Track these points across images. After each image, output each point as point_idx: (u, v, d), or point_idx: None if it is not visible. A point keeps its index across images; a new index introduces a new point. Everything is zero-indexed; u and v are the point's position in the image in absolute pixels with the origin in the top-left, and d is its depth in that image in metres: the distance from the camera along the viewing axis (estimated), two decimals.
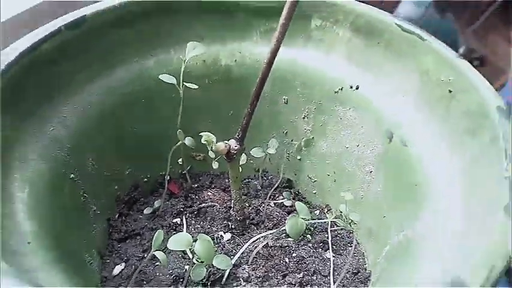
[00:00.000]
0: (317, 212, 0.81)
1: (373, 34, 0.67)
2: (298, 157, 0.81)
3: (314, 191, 0.81)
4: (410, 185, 0.58)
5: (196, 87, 0.66)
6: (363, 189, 0.70)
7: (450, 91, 0.56)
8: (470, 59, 0.83)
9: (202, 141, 0.60)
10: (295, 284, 0.62)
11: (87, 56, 0.64)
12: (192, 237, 0.68)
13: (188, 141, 0.63)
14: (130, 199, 0.75)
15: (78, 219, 0.60)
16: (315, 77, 0.74)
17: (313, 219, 0.78)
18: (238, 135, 0.63)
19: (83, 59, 0.64)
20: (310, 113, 0.76)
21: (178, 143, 0.63)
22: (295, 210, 0.80)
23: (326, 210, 0.80)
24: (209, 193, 0.78)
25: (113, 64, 0.68)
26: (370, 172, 0.69)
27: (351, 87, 0.70)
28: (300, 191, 0.84)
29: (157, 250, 0.54)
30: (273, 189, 0.74)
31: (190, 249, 0.53)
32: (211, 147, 0.61)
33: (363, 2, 0.68)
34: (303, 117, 0.77)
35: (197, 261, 0.60)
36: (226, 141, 0.63)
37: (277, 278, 0.63)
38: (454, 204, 0.50)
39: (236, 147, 0.63)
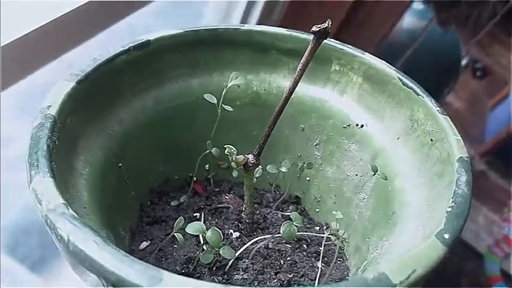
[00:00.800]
0: (317, 228, 0.93)
1: (380, 83, 0.80)
2: (308, 178, 0.94)
3: (317, 210, 0.94)
4: (390, 213, 0.70)
5: (231, 109, 0.81)
6: (356, 212, 0.82)
7: (431, 139, 0.68)
8: (473, 70, 0.93)
9: (226, 152, 0.74)
10: (284, 281, 0.75)
11: (146, 71, 0.80)
12: (207, 229, 0.83)
13: (215, 151, 0.77)
14: (161, 191, 0.90)
15: (120, 199, 0.75)
16: (329, 112, 0.87)
17: (309, 232, 0.91)
18: (255, 152, 0.77)
19: (143, 73, 0.80)
20: (322, 141, 0.89)
21: (206, 151, 0.78)
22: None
23: (325, 227, 0.92)
24: (227, 197, 0.92)
25: (164, 80, 0.84)
26: (364, 199, 0.81)
27: (357, 125, 0.83)
28: (305, 208, 0.96)
29: (177, 232, 0.68)
30: (279, 201, 0.87)
31: (203, 235, 0.67)
32: (232, 158, 0.75)
33: None
34: (315, 145, 0.90)
35: (207, 248, 0.73)
36: (246, 155, 0.77)
37: (270, 274, 0.76)
38: (415, 227, 0.62)
39: (253, 161, 0.77)
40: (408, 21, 1.53)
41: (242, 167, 0.78)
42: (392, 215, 0.68)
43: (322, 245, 0.86)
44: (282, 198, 0.97)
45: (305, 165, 0.80)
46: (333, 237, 0.87)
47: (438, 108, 0.69)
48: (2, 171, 0.94)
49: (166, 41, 0.81)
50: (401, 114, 0.76)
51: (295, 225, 0.68)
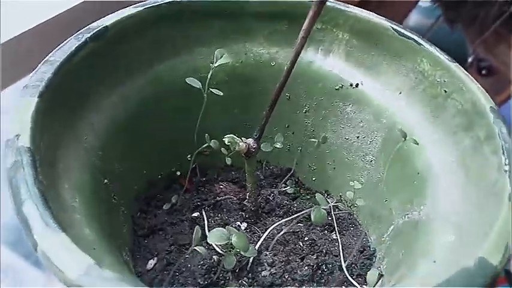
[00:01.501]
0: (318, 196, 0.88)
1: (371, 36, 0.74)
2: (299, 148, 0.88)
3: (314, 178, 0.89)
4: (412, 173, 0.66)
5: (221, 93, 0.71)
6: (363, 176, 0.79)
7: (445, 91, 0.65)
8: (479, 69, 0.92)
9: (226, 142, 0.65)
10: (313, 266, 0.70)
11: (109, 65, 0.67)
12: (213, 229, 0.74)
13: (214, 144, 0.68)
14: (148, 196, 0.79)
15: (114, 220, 0.64)
16: (316, 76, 0.80)
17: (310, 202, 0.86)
18: (256, 135, 0.69)
19: (106, 67, 0.66)
20: (311, 108, 0.83)
21: (205, 145, 0.68)
22: (298, 196, 0.88)
23: (326, 195, 0.88)
24: (221, 186, 0.83)
25: (129, 71, 0.71)
26: (370, 161, 0.77)
27: (351, 84, 0.77)
28: (299, 179, 0.91)
29: (197, 245, 0.60)
30: (284, 180, 0.81)
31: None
32: (234, 148, 0.66)
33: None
34: (305, 112, 0.84)
35: (225, 251, 0.66)
36: (245, 141, 0.68)
37: (296, 261, 0.71)
38: (453, 189, 0.59)
39: (254, 146, 0.69)
40: (415, 19, 1.47)
41: (243, 154, 0.69)
42: (417, 175, 0.65)
43: (333, 216, 0.82)
44: (274, 174, 0.91)
45: (321, 140, 0.74)
46: (340, 205, 0.83)
47: (447, 57, 0.65)
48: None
49: (126, 24, 0.68)
50: (401, 67, 0.72)
51: (323, 209, 0.63)
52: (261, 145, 0.81)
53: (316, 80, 0.80)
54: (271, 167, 0.92)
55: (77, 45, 0.61)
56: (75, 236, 0.48)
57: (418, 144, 0.60)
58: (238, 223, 0.77)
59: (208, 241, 0.58)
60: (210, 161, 0.89)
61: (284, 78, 0.63)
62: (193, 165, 0.86)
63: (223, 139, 0.66)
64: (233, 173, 0.89)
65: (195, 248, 0.60)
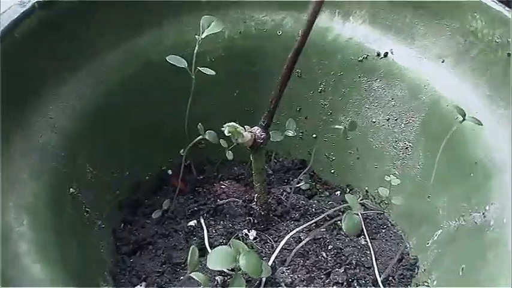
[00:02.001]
0: (338, 192, 0.74)
1: None
2: (314, 135, 0.73)
3: (332, 171, 0.74)
4: (468, 163, 0.52)
5: (213, 73, 0.56)
6: (396, 167, 0.64)
7: (508, 54, 0.49)
8: None
9: (226, 133, 0.50)
10: (342, 283, 0.56)
11: (72, 39, 0.52)
12: (215, 242, 0.60)
13: (210, 136, 0.53)
14: (133, 202, 0.65)
15: (86, 239, 0.50)
16: (333, 46, 0.65)
17: (329, 199, 0.72)
18: (263, 122, 0.54)
19: (68, 42, 0.51)
20: (328, 85, 0.68)
21: (198, 138, 0.53)
22: (315, 194, 0.73)
23: (348, 190, 0.73)
24: (222, 186, 0.69)
25: (97, 49, 0.56)
26: (405, 148, 0.62)
27: (378, 54, 0.62)
28: (315, 172, 0.76)
29: (193, 271, 0.45)
30: (301, 176, 0.66)
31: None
32: (237, 139, 0.51)
33: None
34: (319, 91, 0.69)
35: (231, 270, 0.52)
36: (250, 130, 0.54)
37: (321, 278, 0.57)
38: None
39: (262, 136, 0.54)
40: None
41: (248, 147, 0.54)
42: (475, 165, 0.51)
43: (360, 216, 0.67)
44: (284, 168, 0.76)
45: (348, 127, 0.58)
46: (368, 202, 0.69)
47: (507, 9, 0.50)
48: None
49: None
50: (443, 28, 0.56)
51: (356, 214, 0.48)
52: (271, 134, 0.66)
53: (333, 51, 0.65)
54: (280, 159, 0.77)
55: (22, 12, 0.45)
56: (13, 275, 0.33)
57: (482, 125, 0.45)
58: (246, 231, 0.63)
59: (208, 265, 0.43)
60: (207, 155, 0.75)
61: (296, 51, 0.48)
62: (187, 162, 0.71)
63: (222, 129, 0.50)
64: (236, 168, 0.74)
65: (191, 275, 0.45)
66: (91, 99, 0.55)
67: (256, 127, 0.54)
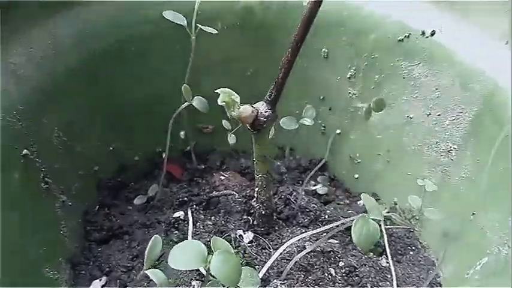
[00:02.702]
0: (360, 202, 0.61)
1: None
2: (338, 131, 0.61)
3: (356, 175, 0.63)
4: None
5: (215, 31, 0.47)
6: (435, 174, 0.52)
7: None
8: None
9: (219, 101, 0.40)
10: None
11: None
12: (201, 239, 0.50)
13: (198, 102, 0.43)
14: (115, 184, 0.56)
15: (38, 215, 0.41)
16: (367, 22, 0.54)
17: (348, 207, 0.60)
18: (270, 97, 0.44)
19: None
20: (359, 70, 0.56)
21: (184, 105, 0.43)
22: (333, 200, 0.62)
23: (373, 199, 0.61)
24: (221, 177, 0.59)
25: None
26: (448, 151, 0.50)
27: (423, 33, 0.51)
28: (336, 175, 0.66)
29: (152, 267, 0.35)
30: (311, 174, 0.55)
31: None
32: (232, 112, 0.41)
33: None
34: (349, 77, 0.58)
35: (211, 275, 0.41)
36: (252, 105, 0.43)
37: None
38: None
39: (267, 113, 0.44)
40: None
41: (248, 126, 0.44)
42: None
43: (383, 232, 0.55)
44: (300, 167, 0.65)
45: (372, 106, 0.46)
46: (396, 217, 0.56)
47: None
48: None
49: None
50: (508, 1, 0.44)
51: (375, 221, 0.36)
52: (282, 120, 0.55)
53: (367, 29, 0.54)
54: (297, 157, 0.67)
55: None
56: None
57: None
58: (240, 232, 0.52)
59: (169, 262, 0.33)
60: (212, 143, 0.65)
61: (306, 20, 0.37)
62: (186, 148, 0.62)
63: (218, 100, 0.40)
64: (243, 160, 0.64)
65: (146, 272, 0.35)
66: (72, 52, 0.46)
67: (261, 102, 0.44)
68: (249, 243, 0.51)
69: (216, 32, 0.46)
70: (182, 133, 0.61)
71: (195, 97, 0.42)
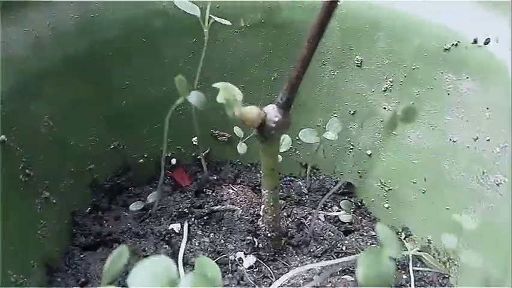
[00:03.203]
0: None
1: None
2: (368, 152, 0.54)
3: (386, 204, 0.55)
4: None
5: (228, 23, 0.42)
6: (479, 210, 0.43)
7: None
8: None
9: (219, 99, 0.34)
10: None
11: None
12: (193, 257, 0.44)
13: (194, 97, 0.37)
14: (114, 186, 0.51)
15: (9, 211, 0.36)
16: (411, 26, 0.47)
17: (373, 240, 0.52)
18: (281, 100, 0.37)
19: None
20: (397, 82, 0.49)
21: (178, 101, 0.38)
22: (357, 229, 0.54)
23: (403, 235, 0.52)
24: (230, 190, 0.53)
25: None
26: (498, 184, 0.41)
27: (475, 41, 0.43)
28: (363, 202, 0.58)
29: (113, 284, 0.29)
30: (326, 197, 0.47)
31: None
32: (234, 112, 0.35)
33: None
34: (384, 90, 0.50)
35: None
36: (263, 109, 0.37)
37: None
38: None
39: (277, 118, 0.37)
40: None
41: (256, 130, 0.38)
42: None
43: (411, 273, 0.46)
44: (324, 188, 0.58)
45: (400, 114, 0.38)
46: (427, 257, 0.48)
47: None
48: None
49: None
50: None
51: (389, 258, 0.29)
52: (302, 132, 0.49)
53: (409, 35, 0.47)
54: (321, 177, 0.60)
55: None
56: None
57: None
58: (241, 254, 0.45)
59: (128, 281, 0.27)
60: (227, 152, 0.59)
61: (325, 13, 0.31)
62: (198, 155, 0.57)
63: (217, 97, 0.35)
64: (259, 175, 0.58)
65: None
66: (74, 39, 0.43)
67: (271, 106, 0.38)
68: (248, 268, 0.44)
69: (229, 23, 0.41)
70: (195, 139, 0.56)
71: (192, 92, 0.37)
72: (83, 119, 0.46)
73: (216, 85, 0.34)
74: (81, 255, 0.44)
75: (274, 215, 0.44)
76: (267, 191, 0.43)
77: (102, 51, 0.45)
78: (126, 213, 0.50)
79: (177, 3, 0.42)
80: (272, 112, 0.38)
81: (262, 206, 0.44)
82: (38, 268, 0.40)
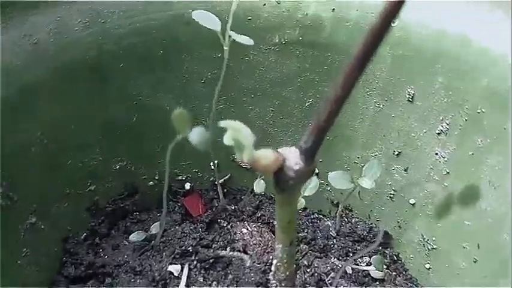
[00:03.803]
0: None
1: None
2: (412, 200, 0.46)
3: (427, 265, 0.47)
4: None
5: (251, 43, 0.35)
6: None
7: None
8: None
9: (226, 140, 0.28)
10: None
11: None
12: None
13: (195, 136, 0.30)
14: (117, 210, 0.46)
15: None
16: (482, 61, 0.38)
17: None
18: (305, 144, 0.30)
19: None
20: (455, 126, 0.41)
21: (176, 140, 0.31)
22: None
23: None
24: (244, 229, 0.46)
25: None
26: None
27: None
28: (400, 257, 0.50)
29: None
30: (358, 256, 0.40)
31: None
32: (243, 158, 0.28)
33: None
34: (438, 133, 0.42)
35: None
36: (279, 150, 0.30)
37: None
38: None
39: (298, 166, 0.30)
40: None
41: (273, 178, 0.31)
42: None
43: None
44: (355, 233, 0.50)
45: (461, 194, 0.29)
46: None
47: None
48: None
49: None
50: None
51: None
52: (332, 175, 0.41)
53: (476, 71, 0.38)
54: (353, 220, 0.52)
55: None
56: None
57: None
58: None
59: None
60: (250, 181, 0.52)
61: (378, 29, 0.23)
62: (217, 181, 0.50)
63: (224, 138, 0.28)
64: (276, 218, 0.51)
65: None
66: (77, 45, 0.38)
67: (291, 148, 0.31)
68: None
69: (252, 43, 0.34)
70: (215, 162, 0.50)
71: (194, 129, 0.30)
72: (84, 135, 0.41)
73: (223, 124, 0.28)
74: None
75: (287, 272, 0.37)
76: (280, 245, 0.36)
77: (111, 61, 0.40)
78: (126, 243, 0.45)
79: (194, 15, 0.36)
80: (293, 158, 0.31)
81: (275, 261, 0.37)
82: None
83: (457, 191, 0.26)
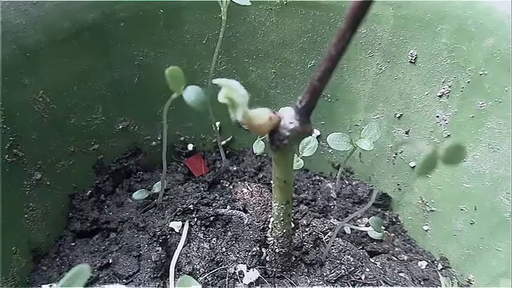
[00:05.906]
0: (422, 264, 0.45)
1: None
2: (412, 163, 0.46)
3: (425, 227, 0.47)
4: None
5: (248, 3, 0.35)
6: None
7: None
8: None
9: (220, 98, 0.28)
10: None
11: None
12: (187, 265, 0.39)
13: (189, 94, 0.30)
14: (121, 169, 0.47)
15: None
16: (486, 21, 0.37)
17: (410, 265, 0.44)
18: (300, 104, 0.30)
19: None
20: (457, 88, 0.40)
21: (172, 97, 0.32)
22: (385, 252, 0.47)
23: (440, 266, 0.45)
24: (244, 189, 0.47)
25: None
26: None
27: None
28: (399, 219, 0.51)
29: None
30: (357, 213, 0.40)
31: None
32: (237, 117, 0.29)
33: None
34: (440, 95, 0.42)
35: None
36: (275, 112, 0.31)
37: None
38: None
39: (292, 125, 0.31)
40: None
41: (268, 137, 0.32)
42: None
43: None
44: (354, 196, 0.51)
45: (444, 154, 0.30)
46: None
47: None
48: None
49: None
50: None
51: None
52: (331, 136, 0.41)
53: (480, 32, 0.39)
54: (353, 182, 0.53)
55: None
56: None
57: None
58: (243, 267, 0.40)
59: None
60: (252, 142, 0.53)
61: None
62: (220, 142, 0.51)
63: (219, 96, 0.28)
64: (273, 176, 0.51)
65: None
66: (82, 8, 0.38)
67: (288, 109, 0.31)
68: (248, 285, 0.39)
69: (248, 3, 0.34)
70: (217, 124, 0.50)
71: (188, 87, 0.30)
72: (87, 95, 0.41)
73: (217, 81, 0.28)
74: (73, 244, 0.41)
75: (284, 230, 0.38)
76: (277, 204, 0.37)
77: (114, 21, 0.40)
78: (130, 200, 0.46)
79: None
80: (288, 117, 0.31)
81: (272, 219, 0.38)
82: (20, 255, 0.37)
83: (443, 149, 0.26)
